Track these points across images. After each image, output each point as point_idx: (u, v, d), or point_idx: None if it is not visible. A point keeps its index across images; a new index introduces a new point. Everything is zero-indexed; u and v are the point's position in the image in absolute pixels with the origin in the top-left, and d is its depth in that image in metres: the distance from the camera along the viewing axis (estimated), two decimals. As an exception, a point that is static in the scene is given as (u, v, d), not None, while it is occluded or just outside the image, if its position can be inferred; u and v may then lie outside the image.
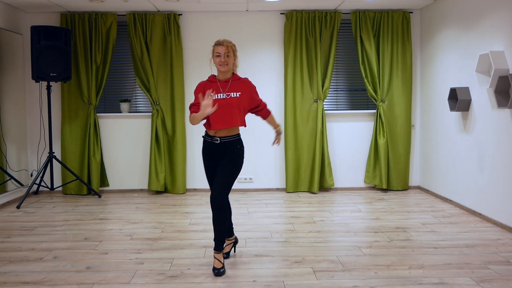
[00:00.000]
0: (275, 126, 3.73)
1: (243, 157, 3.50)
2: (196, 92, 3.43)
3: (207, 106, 3.21)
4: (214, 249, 3.44)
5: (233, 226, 4.67)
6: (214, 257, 3.43)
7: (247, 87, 3.47)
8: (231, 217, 3.72)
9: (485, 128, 4.85)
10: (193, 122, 3.30)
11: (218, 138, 3.41)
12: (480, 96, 4.94)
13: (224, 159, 3.43)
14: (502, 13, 4.51)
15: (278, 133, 3.71)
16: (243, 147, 3.52)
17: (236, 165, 3.44)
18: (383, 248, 3.96)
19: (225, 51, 3.34)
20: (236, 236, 3.86)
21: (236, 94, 3.39)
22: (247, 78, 3.52)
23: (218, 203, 3.35)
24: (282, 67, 6.48)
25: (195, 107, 3.39)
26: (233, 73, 3.50)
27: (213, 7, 6.15)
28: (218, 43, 3.38)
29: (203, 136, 3.53)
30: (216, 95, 3.37)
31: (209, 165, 3.51)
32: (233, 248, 3.83)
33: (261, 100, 3.60)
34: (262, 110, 3.62)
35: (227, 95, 3.38)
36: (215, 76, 3.50)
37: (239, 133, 3.50)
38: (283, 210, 5.41)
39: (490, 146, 4.76)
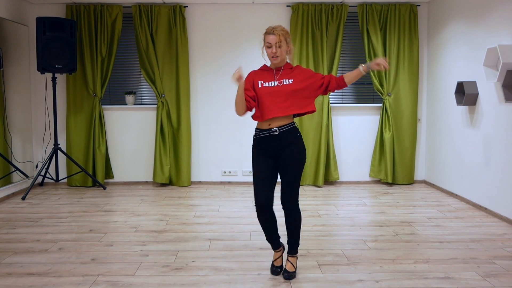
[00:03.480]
0: (358, 73, 3.15)
1: (303, 144, 3.17)
2: (246, 78, 3.17)
3: (237, 77, 2.99)
4: (289, 252, 3.26)
5: (237, 219, 4.67)
6: (288, 260, 3.26)
7: (298, 72, 3.14)
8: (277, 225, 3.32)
9: (492, 122, 4.81)
10: (236, 107, 3.09)
11: (277, 129, 3.06)
12: (487, 90, 4.90)
13: (286, 153, 3.09)
14: (511, 6, 4.46)
15: (370, 68, 3.14)
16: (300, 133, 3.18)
17: (301, 157, 3.12)
18: (388, 242, 3.94)
19: (276, 41, 3.03)
20: (283, 244, 3.42)
21: (289, 81, 3.08)
22: (299, 65, 3.23)
23: (293, 205, 3.14)
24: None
25: (248, 96, 3.12)
26: (286, 62, 3.20)
27: (218, -1, 6.13)
28: (268, 32, 3.06)
29: (255, 134, 3.17)
30: (266, 83, 3.10)
31: (263, 165, 3.13)
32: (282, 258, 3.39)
33: (322, 76, 3.17)
34: (330, 84, 3.17)
35: (279, 82, 3.08)
36: (266, 65, 3.24)
37: (294, 122, 3.15)
38: (288, 203, 5.39)
39: (497, 141, 4.73)
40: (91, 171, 6.32)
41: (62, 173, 6.49)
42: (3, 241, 3.99)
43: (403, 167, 6.40)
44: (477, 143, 5.11)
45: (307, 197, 5.70)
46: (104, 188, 6.23)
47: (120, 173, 6.56)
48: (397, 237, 4.08)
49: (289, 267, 3.23)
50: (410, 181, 6.48)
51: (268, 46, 3.07)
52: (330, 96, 6.46)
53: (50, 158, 6.01)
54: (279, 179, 3.20)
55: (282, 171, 3.12)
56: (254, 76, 3.18)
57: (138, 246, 3.88)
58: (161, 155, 6.32)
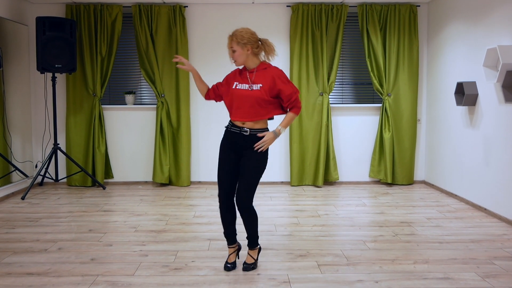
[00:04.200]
0: (282, 124, 3.20)
1: (267, 156, 3.23)
2: (225, 78, 3.33)
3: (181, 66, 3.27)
4: (248, 246, 3.38)
5: (237, 220, 4.66)
6: (248, 254, 3.39)
7: (271, 77, 3.13)
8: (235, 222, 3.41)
9: (492, 123, 4.81)
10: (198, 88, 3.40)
11: (248, 130, 3.15)
12: (487, 90, 4.90)
13: (248, 156, 3.16)
14: (511, 6, 4.46)
15: (274, 132, 3.19)
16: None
17: (261, 165, 3.18)
18: (388, 243, 3.94)
19: (229, 46, 3.15)
20: (239, 243, 3.50)
21: (257, 87, 3.12)
22: (276, 67, 3.18)
23: (244, 207, 3.16)
24: (288, 60, 6.45)
25: (214, 85, 3.38)
26: (261, 62, 3.22)
27: (218, -1, 6.13)
28: (229, 35, 3.15)
29: (226, 127, 3.27)
30: (240, 85, 3.17)
31: (229, 157, 3.21)
32: (237, 256, 3.48)
33: (289, 94, 3.14)
34: (287, 106, 3.21)
35: (249, 86, 3.14)
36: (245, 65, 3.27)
37: (267, 128, 3.24)
38: (288, 203, 5.40)
39: (496, 141, 4.73)
40: (90, 171, 6.32)
41: (62, 173, 6.49)
42: (3, 241, 3.99)
43: (402, 168, 6.40)
44: (477, 144, 5.11)
45: (306, 197, 5.70)
46: (104, 188, 6.22)
47: (119, 173, 6.56)
48: (396, 238, 4.08)
49: (248, 260, 3.38)
50: (410, 182, 6.48)
51: (230, 49, 3.19)
52: (330, 96, 6.46)
53: (50, 158, 6.00)
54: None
55: (241, 176, 3.18)
56: (234, 75, 3.28)
57: (138, 246, 3.88)
58: (161, 155, 6.32)
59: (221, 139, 6.46)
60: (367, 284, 3.09)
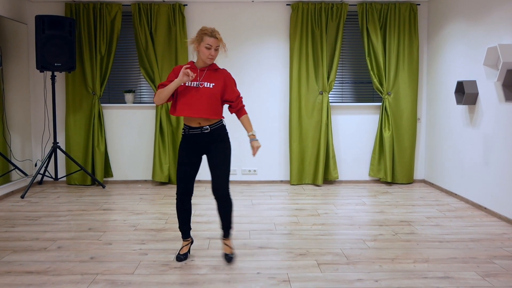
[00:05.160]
0: (249, 130, 3.40)
1: (229, 143, 3.44)
2: (172, 73, 3.33)
3: (186, 74, 3.15)
4: (225, 236, 3.53)
5: (236, 218, 4.66)
6: (226, 244, 3.54)
7: (222, 78, 3.34)
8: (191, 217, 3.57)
9: (492, 122, 4.80)
10: (160, 96, 3.22)
11: (208, 127, 3.29)
12: (487, 89, 4.90)
13: (216, 148, 3.33)
14: (511, 5, 4.45)
15: (252, 140, 3.37)
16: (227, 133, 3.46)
17: (229, 153, 3.39)
18: (388, 242, 3.94)
19: (217, 44, 3.25)
20: (192, 238, 3.67)
21: (210, 85, 3.27)
22: (225, 70, 3.40)
23: (224, 194, 3.32)
24: (288, 58, 6.44)
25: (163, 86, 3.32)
26: (213, 63, 3.39)
27: (218, -2, 6.12)
28: (209, 33, 3.22)
29: (184, 130, 3.36)
30: (191, 82, 3.27)
31: (191, 160, 3.35)
32: (189, 249, 3.63)
33: (237, 97, 3.41)
34: (236, 107, 3.42)
35: (200, 84, 3.27)
36: (194, 62, 3.38)
37: (222, 120, 3.40)
38: (287, 202, 5.40)
39: (496, 140, 4.73)
40: (90, 169, 6.31)
41: (61, 172, 6.48)
42: (2, 240, 3.99)
43: (402, 167, 6.40)
44: (477, 143, 5.11)
45: (306, 196, 5.70)
46: (103, 187, 6.22)
47: (119, 171, 6.55)
48: (396, 237, 4.08)
49: (228, 250, 3.52)
50: (410, 181, 6.47)
51: (207, 47, 3.23)
52: (329, 95, 6.46)
53: (49, 157, 6.00)
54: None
55: (214, 166, 3.33)
56: (178, 73, 3.32)
57: (137, 244, 3.87)
58: (160, 154, 6.31)
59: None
60: (366, 283, 3.09)
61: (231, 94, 3.38)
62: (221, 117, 3.34)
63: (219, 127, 3.35)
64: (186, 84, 3.27)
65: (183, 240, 3.58)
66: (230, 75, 3.41)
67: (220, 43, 3.27)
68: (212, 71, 3.35)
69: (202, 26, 3.31)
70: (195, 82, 3.28)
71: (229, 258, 3.48)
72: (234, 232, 4.21)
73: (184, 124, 3.37)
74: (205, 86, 3.27)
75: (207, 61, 3.28)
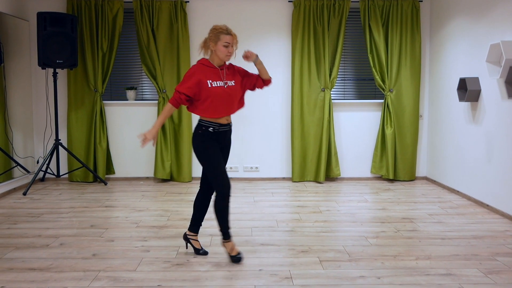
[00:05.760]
0: (258, 66, 3.43)
1: None
2: (194, 76, 3.23)
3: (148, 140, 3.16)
4: (226, 238, 3.41)
5: (238, 215, 4.66)
6: (225, 245, 3.43)
7: (236, 72, 3.44)
8: None
9: (495, 119, 4.79)
10: (165, 114, 3.18)
11: (229, 125, 3.41)
12: (490, 86, 4.88)
13: (228, 146, 3.47)
14: (514, 2, 4.44)
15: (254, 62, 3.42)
16: None
17: None
18: (390, 239, 3.94)
19: (233, 42, 3.29)
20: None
21: (232, 83, 3.35)
22: (231, 64, 3.47)
23: (229, 188, 3.35)
24: (290, 55, 6.43)
25: (184, 97, 3.20)
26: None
27: (220, -6, 6.11)
28: (226, 32, 3.25)
29: (213, 128, 3.28)
30: (215, 82, 3.27)
31: (219, 153, 3.32)
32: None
33: (253, 76, 3.50)
34: (258, 81, 3.49)
35: (224, 83, 3.31)
36: (209, 61, 3.35)
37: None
38: (289, 199, 5.40)
39: (499, 137, 4.72)
40: (92, 166, 6.32)
41: (63, 169, 6.48)
42: (5, 236, 3.99)
43: (404, 164, 6.39)
44: (479, 140, 5.10)
45: (308, 193, 5.70)
46: (105, 184, 6.22)
47: (121, 168, 6.56)
48: (398, 234, 4.08)
49: (235, 252, 3.43)
50: (412, 178, 6.47)
51: (225, 45, 3.25)
52: (331, 92, 6.45)
53: (51, 154, 6.00)
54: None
55: (223, 159, 3.41)
56: (201, 75, 3.27)
57: (139, 241, 3.88)
58: (162, 151, 6.32)
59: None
60: (369, 280, 3.09)
61: (252, 78, 3.49)
62: (243, 106, 3.48)
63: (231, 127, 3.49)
64: (213, 85, 3.24)
65: (229, 241, 3.41)
66: (237, 67, 3.50)
67: (235, 39, 3.31)
68: (227, 69, 3.40)
69: (214, 25, 3.31)
70: (220, 82, 3.29)
71: (238, 258, 3.40)
72: (237, 228, 4.21)
73: (210, 122, 3.28)
74: (229, 84, 3.33)
75: (225, 59, 3.31)
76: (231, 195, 3.44)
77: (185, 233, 3.61)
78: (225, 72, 3.36)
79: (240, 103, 3.47)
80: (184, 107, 6.24)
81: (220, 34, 3.24)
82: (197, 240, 3.57)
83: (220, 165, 3.29)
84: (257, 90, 3.50)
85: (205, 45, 3.37)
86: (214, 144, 3.30)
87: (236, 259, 3.38)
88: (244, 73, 3.48)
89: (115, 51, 6.24)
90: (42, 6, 6.28)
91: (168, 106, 3.21)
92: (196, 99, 3.27)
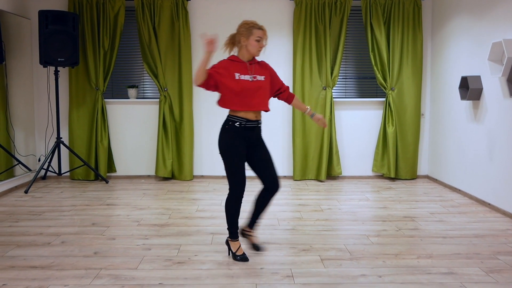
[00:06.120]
0: (304, 109, 3.54)
1: None
2: (217, 66, 3.24)
3: (210, 42, 3.03)
4: (233, 238, 3.45)
5: (241, 214, 4.66)
6: (253, 236, 3.54)
7: (268, 70, 3.40)
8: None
9: (497, 117, 4.78)
10: (198, 76, 3.08)
11: (258, 122, 3.32)
12: (492, 85, 4.87)
13: (262, 143, 3.40)
14: (517, 0, 4.43)
15: (312, 115, 3.50)
16: None
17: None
18: (391, 237, 3.93)
19: (265, 36, 3.28)
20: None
21: (261, 78, 3.31)
22: (263, 61, 3.45)
23: (279, 187, 3.37)
24: (291, 54, 6.42)
25: (212, 71, 3.19)
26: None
27: (221, -7, 6.10)
28: (258, 27, 3.25)
29: (239, 123, 3.25)
30: (243, 75, 3.25)
31: (243, 152, 3.28)
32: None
33: (283, 83, 3.51)
34: (284, 92, 3.52)
35: (253, 77, 3.27)
36: (237, 56, 3.34)
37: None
38: (291, 197, 5.39)
39: (501, 136, 4.71)
40: (93, 164, 6.32)
41: (65, 167, 6.49)
42: (6, 234, 4.00)
43: (406, 162, 6.38)
44: (481, 138, 5.09)
45: (309, 192, 5.70)
46: (107, 182, 6.23)
47: (122, 167, 6.56)
48: (400, 232, 4.07)
49: (257, 240, 3.58)
50: (413, 176, 6.46)
51: (258, 40, 3.25)
52: (333, 90, 6.44)
53: (53, 152, 6.01)
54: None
55: (267, 160, 3.37)
56: (229, 65, 3.28)
57: (141, 239, 3.88)
58: (164, 149, 6.32)
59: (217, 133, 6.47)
60: (370, 278, 3.08)
61: (279, 83, 3.48)
62: (268, 110, 3.38)
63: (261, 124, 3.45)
64: (241, 78, 3.23)
65: (235, 241, 3.44)
66: (269, 66, 3.46)
67: (266, 34, 3.30)
68: (256, 64, 3.37)
69: (244, 20, 3.31)
70: (247, 76, 3.27)
71: (260, 247, 3.53)
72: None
73: (237, 117, 3.26)
74: (258, 79, 3.29)
75: (257, 54, 3.30)
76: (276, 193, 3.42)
77: (242, 229, 3.62)
78: (254, 67, 3.32)
79: (268, 102, 3.40)
80: (186, 108, 6.25)
81: (252, 29, 3.24)
82: (239, 246, 3.49)
83: (239, 165, 3.26)
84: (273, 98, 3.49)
85: (232, 41, 3.36)
86: (239, 141, 3.26)
87: (240, 258, 3.39)
88: (274, 75, 3.45)
89: (117, 49, 6.24)
90: (43, 4, 6.28)
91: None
92: (224, 93, 3.25)
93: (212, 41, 3.06)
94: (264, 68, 3.39)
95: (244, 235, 3.59)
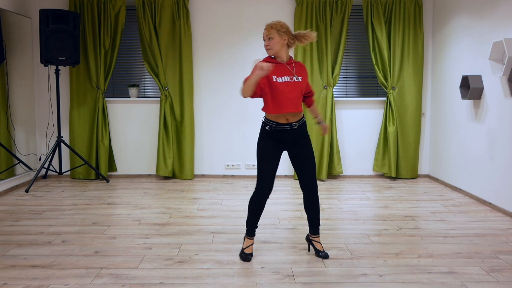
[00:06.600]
0: (316, 114, 3.53)
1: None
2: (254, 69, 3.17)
3: (260, 68, 2.93)
4: (315, 233, 3.49)
5: (240, 213, 4.66)
6: (316, 241, 3.50)
7: (305, 72, 3.33)
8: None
9: (497, 117, 4.78)
10: (246, 90, 3.04)
11: (296, 123, 3.25)
12: (492, 84, 4.87)
13: (303, 144, 3.32)
14: (518, -1, 4.42)
15: (320, 122, 3.51)
16: None
17: (311, 147, 3.39)
18: (392, 236, 3.93)
19: (266, 34, 3.21)
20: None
21: (299, 78, 3.24)
22: (301, 62, 3.38)
23: (316, 190, 3.38)
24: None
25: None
26: (290, 57, 3.34)
27: (222, -8, 6.09)
28: (265, 27, 3.24)
29: (270, 126, 3.25)
30: (280, 78, 3.20)
31: (277, 157, 3.29)
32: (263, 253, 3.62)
33: (311, 86, 3.51)
34: (310, 97, 3.48)
35: (290, 78, 3.21)
36: (273, 58, 3.30)
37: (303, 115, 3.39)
38: (291, 197, 5.39)
39: (501, 135, 4.70)
40: (94, 164, 6.32)
41: (66, 166, 6.49)
42: (7, 233, 4.00)
43: (407, 161, 6.38)
44: (482, 138, 5.08)
45: (310, 191, 5.69)
46: (107, 181, 6.23)
47: (123, 166, 6.56)
48: (400, 232, 4.07)
49: (320, 247, 3.48)
50: (414, 176, 6.46)
51: (264, 39, 3.26)
52: (334, 90, 6.44)
53: (54, 151, 6.01)
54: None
55: (304, 163, 3.33)
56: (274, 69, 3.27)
57: (141, 239, 3.88)
58: (164, 148, 6.32)
59: (218, 132, 6.45)
60: (371, 278, 3.08)
61: (309, 86, 3.44)
62: (302, 110, 3.29)
63: (304, 123, 3.34)
64: (279, 80, 3.18)
65: (250, 238, 3.45)
66: (304, 67, 3.38)
67: (272, 30, 3.19)
68: (295, 64, 3.31)
69: None
70: (286, 77, 3.21)
71: (324, 254, 3.44)
72: (239, 226, 4.21)
73: (269, 120, 3.26)
74: (295, 80, 3.23)
75: (268, 53, 3.26)
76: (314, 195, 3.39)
77: (307, 235, 3.61)
78: (293, 67, 3.27)
79: (301, 103, 3.31)
80: (186, 107, 6.25)
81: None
82: (319, 242, 3.51)
83: (268, 166, 3.25)
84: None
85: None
86: (271, 144, 3.27)
87: (245, 256, 3.40)
88: (307, 75, 3.36)
89: (117, 49, 6.24)
90: (44, 3, 6.28)
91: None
92: (264, 93, 3.25)
93: (262, 67, 2.97)
94: (302, 69, 3.33)
95: (309, 240, 3.56)
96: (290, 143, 3.30)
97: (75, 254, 3.50)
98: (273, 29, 3.19)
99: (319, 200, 3.43)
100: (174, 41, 6.25)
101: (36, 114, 6.33)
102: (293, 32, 3.30)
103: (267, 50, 3.24)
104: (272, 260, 3.39)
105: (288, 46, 3.28)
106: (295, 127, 3.26)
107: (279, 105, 3.19)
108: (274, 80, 3.19)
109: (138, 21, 6.20)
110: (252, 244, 3.45)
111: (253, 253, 3.52)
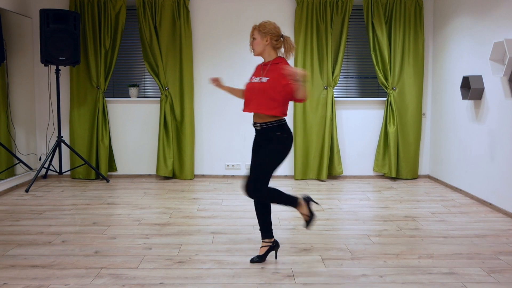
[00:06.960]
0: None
1: (285, 145, 3.16)
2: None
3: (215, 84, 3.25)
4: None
5: (240, 213, 4.66)
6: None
7: (277, 73, 3.13)
8: (270, 215, 3.42)
9: (498, 117, 4.77)
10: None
11: (259, 124, 3.20)
12: (493, 84, 4.86)
13: (263, 148, 3.21)
14: (519, -1, 4.42)
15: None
16: (288, 134, 3.18)
17: (272, 153, 3.13)
18: (392, 237, 3.93)
19: (251, 34, 3.24)
20: (275, 240, 3.45)
21: (263, 80, 3.15)
22: (284, 61, 3.22)
23: (249, 195, 3.17)
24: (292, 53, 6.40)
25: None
26: (277, 57, 3.26)
27: (223, -8, 6.09)
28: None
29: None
30: (254, 78, 3.26)
31: (254, 154, 3.31)
32: (272, 253, 3.50)
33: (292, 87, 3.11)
34: (300, 102, 3.17)
35: (259, 79, 3.19)
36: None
37: (282, 119, 3.18)
38: (291, 197, 5.38)
39: (502, 136, 4.70)
40: (94, 163, 6.32)
41: (66, 166, 6.49)
42: (7, 233, 4.00)
43: (407, 162, 6.38)
44: (482, 138, 5.08)
45: (310, 191, 5.69)
46: (108, 181, 6.23)
47: (123, 166, 6.56)
48: (401, 232, 4.07)
49: (260, 251, 3.41)
50: (414, 176, 6.45)
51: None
52: (334, 90, 6.43)
53: (54, 151, 6.01)
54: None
55: (251, 166, 3.27)
56: (256, 68, 3.38)
57: (142, 239, 3.88)
58: (165, 148, 6.31)
59: (218, 132, 6.47)
60: (371, 278, 3.08)
61: (289, 87, 3.10)
62: (272, 113, 3.11)
63: (271, 127, 3.15)
64: (252, 81, 3.26)
65: (262, 240, 3.43)
66: (285, 67, 3.04)
67: (255, 31, 3.20)
68: (274, 65, 3.21)
69: None
70: (257, 78, 3.23)
71: (258, 259, 3.37)
72: (239, 226, 4.21)
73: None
74: (262, 81, 3.16)
75: (252, 53, 3.31)
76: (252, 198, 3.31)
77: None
78: (268, 67, 3.22)
79: (267, 105, 3.12)
80: (187, 107, 6.24)
81: None
82: (262, 246, 3.43)
83: (251, 166, 3.24)
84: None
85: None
86: (254, 141, 3.36)
87: (255, 259, 3.37)
88: (284, 79, 3.13)
89: (118, 48, 6.23)
90: (45, 3, 6.28)
91: None
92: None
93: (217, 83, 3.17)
94: (278, 68, 3.16)
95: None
96: (258, 143, 3.31)
97: (75, 254, 3.50)
98: (256, 30, 3.21)
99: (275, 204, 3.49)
100: (175, 41, 6.25)
101: (36, 114, 6.33)
102: (283, 34, 3.27)
103: (251, 50, 3.27)
104: (272, 261, 3.39)
105: (275, 47, 3.24)
106: (257, 128, 3.24)
107: (244, 103, 3.29)
108: (249, 80, 3.30)
109: (138, 21, 6.20)
110: (263, 246, 3.38)
111: (253, 253, 3.52)
